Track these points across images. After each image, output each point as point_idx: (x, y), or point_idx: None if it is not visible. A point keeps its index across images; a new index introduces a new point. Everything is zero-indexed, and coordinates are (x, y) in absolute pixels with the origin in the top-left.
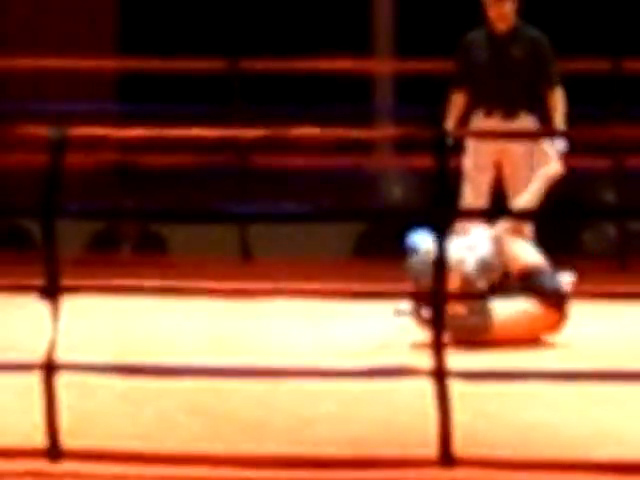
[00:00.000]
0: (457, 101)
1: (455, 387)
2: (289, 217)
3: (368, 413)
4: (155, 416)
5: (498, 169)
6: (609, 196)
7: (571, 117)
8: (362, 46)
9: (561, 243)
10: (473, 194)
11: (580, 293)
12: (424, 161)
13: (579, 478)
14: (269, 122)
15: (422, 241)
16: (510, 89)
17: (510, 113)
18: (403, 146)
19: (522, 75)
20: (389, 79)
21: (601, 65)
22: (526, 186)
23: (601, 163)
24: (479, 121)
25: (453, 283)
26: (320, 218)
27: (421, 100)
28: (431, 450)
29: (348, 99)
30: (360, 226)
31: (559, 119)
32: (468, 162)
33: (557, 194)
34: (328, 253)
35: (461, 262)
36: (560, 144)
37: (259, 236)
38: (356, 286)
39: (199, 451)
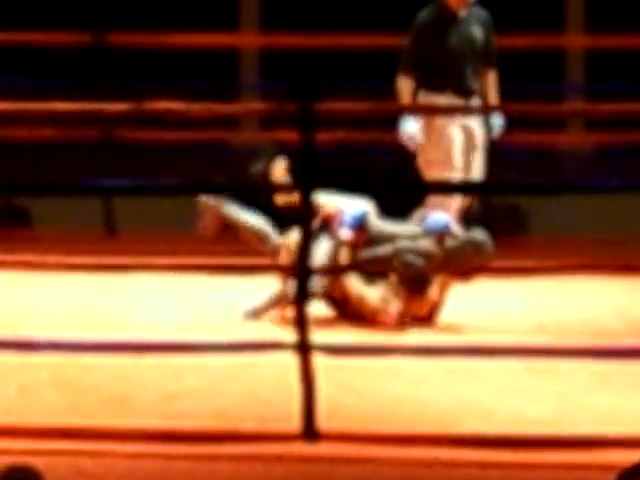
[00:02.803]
0: (407, 84)
1: (320, 362)
2: (154, 191)
3: (232, 387)
4: (18, 390)
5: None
6: None
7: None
8: (228, 21)
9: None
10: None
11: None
12: (289, 135)
13: (445, 453)
14: (135, 96)
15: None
16: (471, 69)
17: (469, 93)
18: (268, 121)
19: (479, 55)
20: (255, 54)
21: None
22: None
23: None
24: (432, 100)
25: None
26: (185, 192)
27: (287, 75)
28: (295, 424)
29: (214, 74)
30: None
31: (496, 96)
32: (438, 147)
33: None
34: (192, 228)
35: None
36: (499, 120)
37: (124, 210)
38: (221, 261)
39: (62, 425)
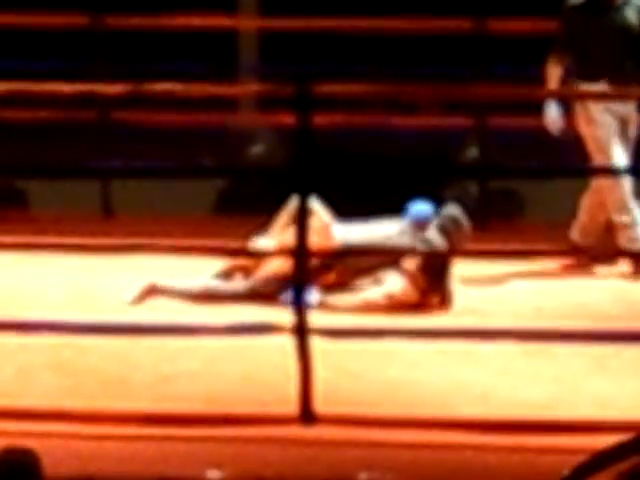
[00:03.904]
0: (555, 70)
1: (317, 344)
2: (152, 173)
3: (229, 370)
4: (15, 372)
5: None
6: (472, 154)
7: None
8: (227, 3)
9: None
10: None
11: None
12: (288, 118)
13: (441, 436)
14: (133, 78)
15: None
16: (621, 57)
17: (618, 81)
18: (267, 103)
19: (630, 43)
20: (254, 36)
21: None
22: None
23: (465, 121)
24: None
25: None
26: (183, 174)
27: (285, 57)
28: (292, 407)
29: (213, 56)
30: (222, 183)
31: None
32: (597, 133)
33: (421, 152)
34: (189, 210)
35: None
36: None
37: (121, 192)
38: (217, 243)
39: (59, 407)
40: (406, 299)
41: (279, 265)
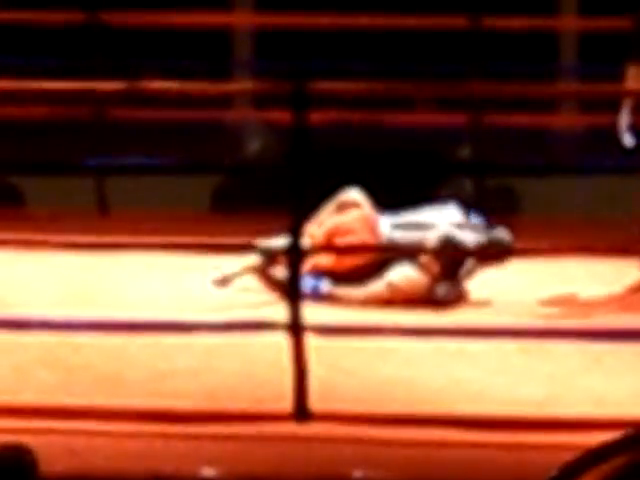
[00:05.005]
0: (633, 70)
1: (312, 342)
2: (147, 170)
3: (224, 367)
4: (10, 369)
5: None
6: (467, 151)
7: (431, 74)
8: (222, 0)
9: (419, 198)
10: None
11: None
12: (283, 115)
13: (436, 433)
14: (128, 75)
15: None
16: None
17: None
18: (262, 100)
19: None
20: (249, 33)
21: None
22: None
23: (460, 118)
24: None
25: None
26: (178, 171)
27: (281, 55)
28: (287, 404)
29: (208, 53)
30: (217, 180)
31: None
32: None
33: (415, 149)
34: (185, 207)
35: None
36: None
37: (116, 189)
38: (213, 240)
39: (54, 404)
40: (410, 290)
41: (323, 259)
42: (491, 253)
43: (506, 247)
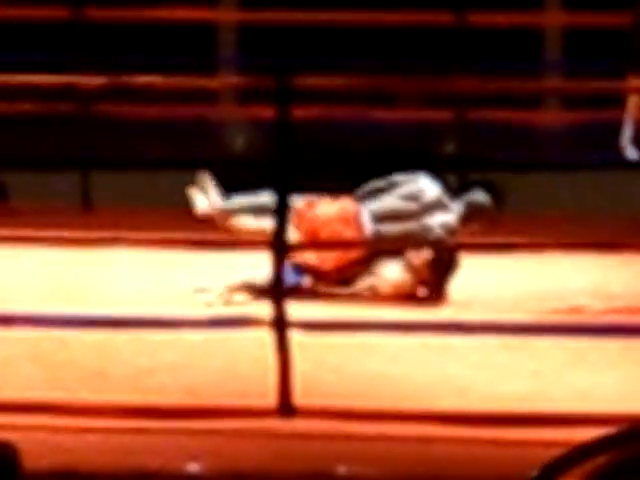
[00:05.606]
0: None
1: (296, 338)
2: (132, 165)
3: (208, 363)
4: None
5: None
6: (449, 147)
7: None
8: None
9: None
10: None
11: None
12: (268, 111)
13: (421, 429)
14: (113, 71)
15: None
16: None
17: None
18: (246, 95)
19: None
20: (233, 29)
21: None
22: None
23: (445, 114)
24: None
25: None
26: (163, 167)
27: (265, 50)
28: (271, 400)
29: (192, 49)
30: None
31: None
32: None
33: (402, 145)
34: (169, 203)
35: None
36: None
37: (101, 185)
38: (198, 236)
39: (38, 399)
40: (394, 292)
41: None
42: (472, 215)
43: (484, 208)
